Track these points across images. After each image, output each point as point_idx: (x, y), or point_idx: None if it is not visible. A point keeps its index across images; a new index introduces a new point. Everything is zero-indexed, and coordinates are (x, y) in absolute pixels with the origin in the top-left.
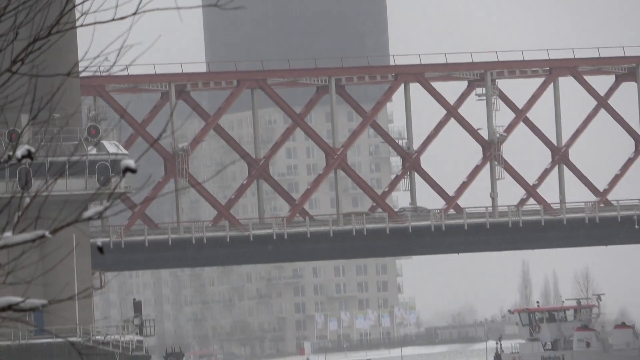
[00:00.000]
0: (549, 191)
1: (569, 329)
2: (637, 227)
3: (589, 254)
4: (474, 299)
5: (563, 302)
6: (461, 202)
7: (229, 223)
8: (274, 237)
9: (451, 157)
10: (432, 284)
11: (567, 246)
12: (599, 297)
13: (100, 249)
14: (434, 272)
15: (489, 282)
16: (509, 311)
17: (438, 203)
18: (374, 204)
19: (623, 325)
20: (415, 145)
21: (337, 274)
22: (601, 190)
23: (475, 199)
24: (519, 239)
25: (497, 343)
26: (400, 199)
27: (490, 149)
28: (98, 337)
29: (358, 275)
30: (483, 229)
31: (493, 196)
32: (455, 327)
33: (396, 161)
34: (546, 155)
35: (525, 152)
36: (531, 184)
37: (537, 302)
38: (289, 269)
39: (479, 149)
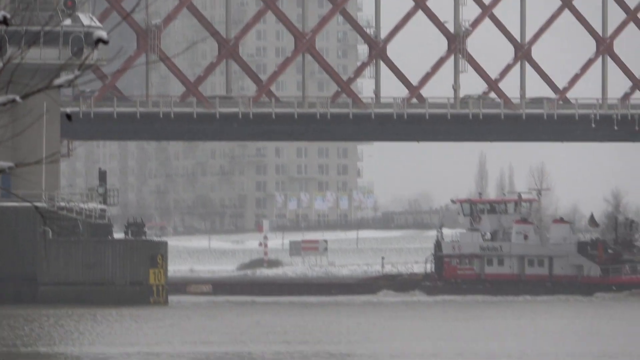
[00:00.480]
0: (510, 86)
1: (509, 221)
2: (593, 125)
3: (546, 149)
4: (430, 187)
5: (504, 194)
6: (424, 92)
7: (197, 100)
8: (240, 116)
9: (417, 48)
10: (391, 170)
11: (524, 140)
12: (539, 192)
13: (69, 116)
14: (394, 159)
15: (447, 172)
16: (452, 201)
17: (401, 92)
18: (339, 89)
19: (561, 220)
20: (383, 35)
21: (299, 156)
22: (561, 88)
23: (438, 90)
24: (479, 131)
25: (438, 231)
26: (364, 85)
27: (455, 42)
28: (62, 204)
29: (319, 158)
30: (444, 119)
31: (455, 88)
32: (411, 213)
33: (363, 49)
34: (509, 51)
35: (489, 47)
36: (493, 78)
37: (480, 193)
38: (253, 147)
39: (444, 41)
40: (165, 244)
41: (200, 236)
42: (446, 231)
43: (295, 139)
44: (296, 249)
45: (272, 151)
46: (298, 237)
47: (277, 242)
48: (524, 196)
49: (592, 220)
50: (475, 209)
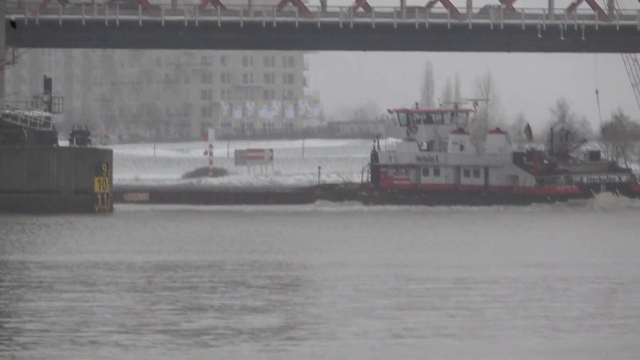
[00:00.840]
0: None
1: (445, 131)
2: (540, 35)
3: (492, 60)
4: (376, 97)
5: (440, 104)
6: (370, 1)
7: (142, 7)
8: (185, 24)
9: None
10: (337, 79)
11: (471, 50)
12: (475, 103)
13: (13, 24)
14: (340, 68)
15: (393, 81)
16: (389, 110)
17: (348, 0)
18: None
19: (497, 130)
20: None
21: (245, 64)
22: None
23: (384, 0)
24: (425, 41)
25: (374, 141)
26: None
27: None
28: (7, 111)
29: (265, 67)
30: (390, 28)
31: None
32: (357, 123)
33: None
34: None
35: None
36: None
37: (416, 103)
38: (198, 56)
39: None
40: (110, 152)
41: (145, 144)
42: (383, 141)
43: (241, 47)
44: (241, 157)
45: (217, 59)
46: (243, 146)
47: (223, 150)
48: (460, 106)
49: (528, 131)
50: (411, 119)
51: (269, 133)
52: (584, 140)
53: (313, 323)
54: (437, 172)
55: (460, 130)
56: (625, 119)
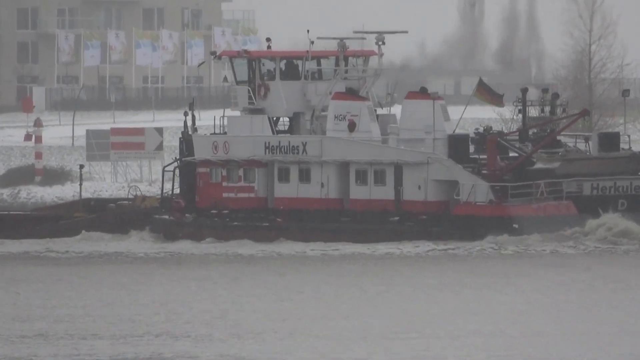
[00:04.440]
0: None
1: (323, 94)
2: None
3: None
4: (366, 23)
5: (311, 42)
6: None
7: None
8: None
9: None
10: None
11: None
12: (380, 39)
13: None
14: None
15: None
16: (213, 54)
17: None
18: None
19: (423, 93)
20: None
21: None
22: None
23: None
24: None
25: (186, 114)
26: None
27: None
28: None
29: None
30: None
31: None
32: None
33: None
34: None
35: None
36: None
37: (268, 39)
38: None
39: None
40: None
41: None
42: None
43: None
44: (101, 145)
45: None
46: (104, 121)
47: (62, 131)
48: (351, 47)
49: (484, 91)
50: (258, 71)
51: (156, 97)
52: (586, 112)
53: None
54: (305, 176)
55: (351, 93)
56: None
